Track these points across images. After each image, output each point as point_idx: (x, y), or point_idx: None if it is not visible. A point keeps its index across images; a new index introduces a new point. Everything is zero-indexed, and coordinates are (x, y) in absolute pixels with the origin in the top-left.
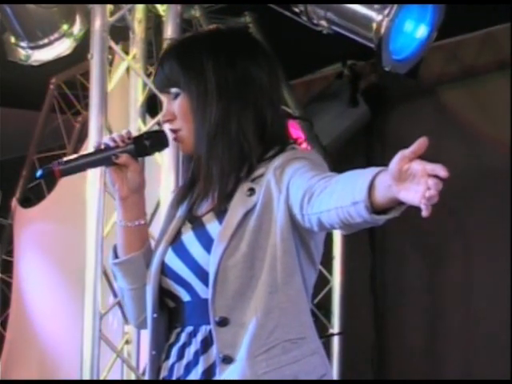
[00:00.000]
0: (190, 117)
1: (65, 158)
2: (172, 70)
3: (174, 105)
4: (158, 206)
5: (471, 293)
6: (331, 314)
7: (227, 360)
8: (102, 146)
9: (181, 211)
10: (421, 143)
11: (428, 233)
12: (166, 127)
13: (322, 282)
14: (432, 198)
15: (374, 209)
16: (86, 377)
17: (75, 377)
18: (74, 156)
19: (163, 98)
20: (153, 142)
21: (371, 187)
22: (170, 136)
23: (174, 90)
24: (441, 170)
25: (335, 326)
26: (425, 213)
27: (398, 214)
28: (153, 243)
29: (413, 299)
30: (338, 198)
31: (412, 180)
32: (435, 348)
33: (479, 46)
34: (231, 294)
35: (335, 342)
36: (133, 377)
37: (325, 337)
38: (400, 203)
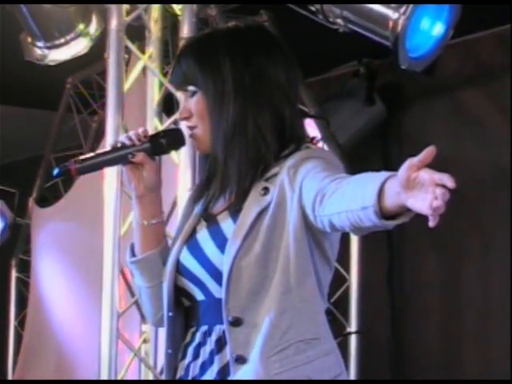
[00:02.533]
0: (206, 116)
1: (81, 157)
2: (189, 67)
3: (191, 102)
4: (174, 205)
5: (488, 292)
6: (348, 313)
7: (240, 360)
8: (119, 145)
9: (197, 209)
10: (428, 152)
11: (445, 232)
12: (183, 124)
13: (340, 280)
14: (438, 208)
15: (384, 214)
16: (104, 376)
17: (93, 376)
18: (91, 154)
19: (180, 95)
20: (169, 140)
21: (381, 192)
22: (186, 133)
23: (191, 87)
24: (448, 180)
25: (352, 325)
26: (431, 223)
27: (408, 220)
28: (169, 242)
29: (430, 298)
30: (348, 201)
31: (420, 188)
32: (452, 347)
33: (496, 44)
34: (244, 293)
35: (352, 340)
36: (150, 376)
37: (342, 336)
38: (409, 209)
